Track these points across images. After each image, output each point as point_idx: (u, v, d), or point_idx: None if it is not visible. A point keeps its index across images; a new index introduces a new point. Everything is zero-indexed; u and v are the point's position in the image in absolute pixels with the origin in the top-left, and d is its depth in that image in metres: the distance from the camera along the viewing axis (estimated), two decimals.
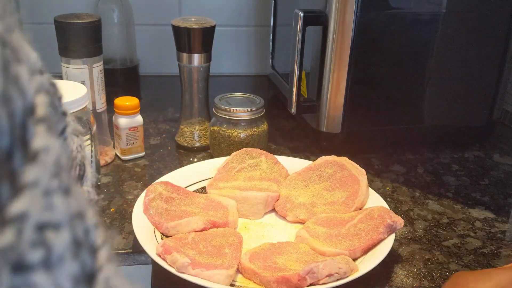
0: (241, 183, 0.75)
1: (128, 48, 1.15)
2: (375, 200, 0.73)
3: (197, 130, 0.93)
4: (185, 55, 0.88)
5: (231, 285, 0.59)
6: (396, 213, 0.70)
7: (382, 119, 0.91)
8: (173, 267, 0.58)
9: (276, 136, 1.00)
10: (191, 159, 0.91)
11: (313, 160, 0.80)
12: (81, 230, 0.19)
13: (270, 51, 1.18)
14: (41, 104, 0.19)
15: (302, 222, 0.70)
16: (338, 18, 0.82)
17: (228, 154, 0.81)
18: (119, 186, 0.81)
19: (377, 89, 0.88)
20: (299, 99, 0.88)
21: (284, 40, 1.09)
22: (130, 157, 0.89)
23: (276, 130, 1.03)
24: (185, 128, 0.93)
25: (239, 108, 0.84)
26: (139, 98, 0.92)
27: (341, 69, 0.85)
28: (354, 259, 0.62)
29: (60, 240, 0.18)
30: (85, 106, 0.73)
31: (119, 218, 0.72)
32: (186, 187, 0.76)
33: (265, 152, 0.81)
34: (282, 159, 0.82)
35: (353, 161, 0.77)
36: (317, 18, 0.83)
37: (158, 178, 0.76)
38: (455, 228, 0.74)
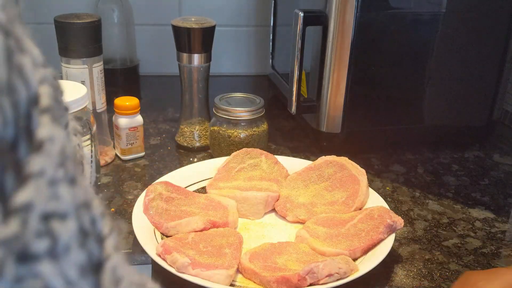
0: (241, 183, 0.75)
1: (128, 48, 1.15)
2: (375, 200, 0.73)
3: (197, 130, 0.93)
4: (185, 55, 0.88)
5: (231, 285, 0.59)
6: (396, 213, 0.70)
7: (382, 119, 0.91)
8: (173, 267, 0.58)
9: (276, 136, 1.00)
10: (191, 159, 0.91)
11: (313, 160, 0.80)
12: (87, 219, 0.19)
13: (270, 51, 1.18)
14: (45, 94, 0.19)
15: (302, 222, 0.70)
16: (338, 18, 0.82)
17: (228, 154, 0.81)
18: (119, 186, 0.81)
19: (377, 89, 0.88)
20: (299, 99, 0.88)
21: (284, 40, 1.09)
22: (130, 157, 0.89)
23: (276, 130, 1.03)
24: (185, 128, 0.93)
25: (239, 108, 0.84)
26: (139, 98, 0.92)
27: (341, 69, 0.85)
28: (354, 259, 0.62)
29: (66, 230, 0.18)
30: (85, 106, 0.73)
31: (119, 218, 0.72)
32: (186, 187, 0.76)
33: (265, 152, 0.81)
34: (282, 159, 0.82)
35: (353, 161, 0.77)
36: (317, 18, 0.83)
37: (158, 178, 0.76)
38: (455, 228, 0.74)
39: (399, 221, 0.65)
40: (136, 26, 1.18)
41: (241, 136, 0.84)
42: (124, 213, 0.74)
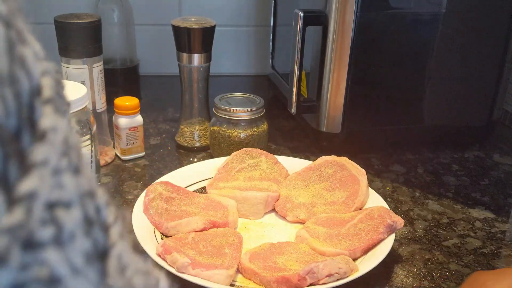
0: (241, 183, 0.75)
1: (128, 48, 1.15)
2: (375, 200, 0.73)
3: (197, 130, 0.93)
4: (185, 55, 0.88)
5: (231, 285, 0.59)
6: (396, 213, 0.70)
7: (382, 119, 0.91)
8: (173, 267, 0.58)
9: (276, 136, 1.00)
10: (191, 159, 0.91)
11: (313, 160, 0.80)
12: (92, 208, 0.19)
13: (270, 51, 1.18)
14: (47, 86, 0.20)
15: (302, 222, 0.70)
16: (338, 18, 0.82)
17: (228, 154, 0.81)
18: (119, 186, 0.81)
19: (377, 89, 0.88)
20: (299, 99, 0.88)
21: (284, 40, 1.09)
22: (130, 157, 0.89)
23: (276, 130, 1.03)
24: (185, 128, 0.93)
25: (239, 108, 0.84)
26: (139, 98, 0.92)
27: (341, 69, 0.85)
28: (354, 259, 0.62)
29: (70, 218, 0.18)
30: (85, 106, 0.73)
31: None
32: (186, 187, 0.76)
33: (265, 152, 0.81)
34: (282, 159, 0.82)
35: (353, 161, 0.77)
36: (317, 18, 0.83)
37: (158, 178, 0.76)
38: (455, 228, 0.74)
39: (399, 221, 0.65)
40: (136, 26, 1.18)
41: (241, 136, 0.84)
42: (124, 213, 0.74)
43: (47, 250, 0.17)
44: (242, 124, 0.85)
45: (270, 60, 1.18)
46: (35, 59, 0.19)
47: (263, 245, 0.64)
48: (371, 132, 0.92)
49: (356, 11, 0.81)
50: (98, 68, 0.86)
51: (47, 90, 0.19)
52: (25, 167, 0.17)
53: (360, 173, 0.74)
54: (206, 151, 0.93)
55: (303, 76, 0.92)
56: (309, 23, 0.83)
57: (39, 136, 0.18)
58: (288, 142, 0.98)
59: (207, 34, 0.87)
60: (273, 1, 1.13)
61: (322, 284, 0.56)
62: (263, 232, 0.70)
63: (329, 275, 0.56)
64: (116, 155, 0.90)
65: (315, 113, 0.90)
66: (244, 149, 0.80)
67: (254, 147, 0.82)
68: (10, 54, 0.18)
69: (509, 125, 1.09)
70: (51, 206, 0.17)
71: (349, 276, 0.57)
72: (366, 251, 0.63)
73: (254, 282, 0.59)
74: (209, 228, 0.66)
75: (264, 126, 0.87)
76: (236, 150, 0.81)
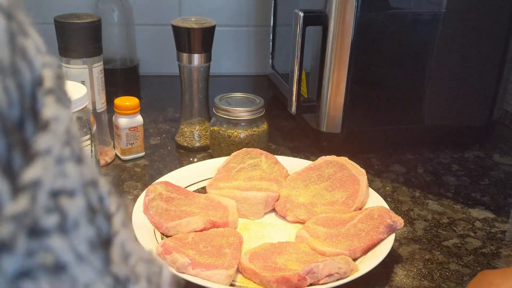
0: (241, 183, 0.75)
1: (128, 48, 1.15)
2: (375, 200, 0.73)
3: (197, 130, 0.93)
4: (185, 55, 0.88)
5: (231, 285, 0.59)
6: (396, 213, 0.70)
7: (382, 119, 0.91)
8: (173, 267, 0.58)
9: (276, 136, 1.00)
10: (191, 159, 0.91)
11: (313, 160, 0.80)
12: (95, 197, 0.20)
13: (270, 51, 1.18)
14: (49, 76, 0.20)
15: (302, 222, 0.70)
16: (338, 18, 0.82)
17: (228, 154, 0.81)
18: (119, 186, 0.81)
19: (377, 89, 0.88)
20: (299, 99, 0.88)
21: (284, 40, 1.09)
22: (130, 157, 0.89)
23: (276, 130, 1.03)
24: (185, 128, 0.93)
25: (239, 108, 0.84)
26: (139, 98, 0.92)
27: (341, 69, 0.85)
28: (354, 259, 0.62)
29: (74, 206, 0.18)
30: (85, 106, 0.73)
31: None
32: (186, 187, 0.76)
33: (265, 152, 0.81)
34: (282, 159, 0.82)
35: (353, 161, 0.77)
36: (317, 18, 0.83)
37: (158, 178, 0.76)
38: (455, 228, 0.74)
39: (399, 221, 0.65)
40: (136, 26, 1.18)
41: (241, 136, 0.84)
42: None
43: (52, 238, 0.17)
44: (242, 124, 0.85)
45: (270, 60, 1.18)
46: (36, 51, 0.20)
47: (263, 245, 0.64)
48: (371, 132, 0.92)
49: (356, 11, 0.81)
50: (98, 68, 0.86)
51: (49, 81, 0.20)
52: (29, 156, 0.18)
53: (360, 173, 0.74)
54: (206, 151, 0.93)
55: (303, 76, 0.92)
56: (309, 23, 0.83)
57: (42, 125, 0.18)
58: (288, 142, 0.98)
59: (207, 34, 0.87)
60: (273, 1, 1.13)
61: (322, 284, 0.56)
62: (263, 232, 0.70)
63: (329, 275, 0.56)
64: (116, 155, 0.90)
65: (315, 113, 0.90)
66: (244, 149, 0.80)
67: (254, 147, 0.82)
68: (11, 45, 0.18)
69: (509, 125, 1.09)
70: (55, 194, 0.18)
71: (349, 276, 0.57)
72: (366, 251, 0.63)
73: (254, 282, 0.59)
74: (209, 228, 0.66)
75: (264, 126, 0.87)
76: (236, 150, 0.81)
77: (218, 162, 0.81)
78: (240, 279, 0.60)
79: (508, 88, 1.00)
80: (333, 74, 0.85)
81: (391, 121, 0.91)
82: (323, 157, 0.78)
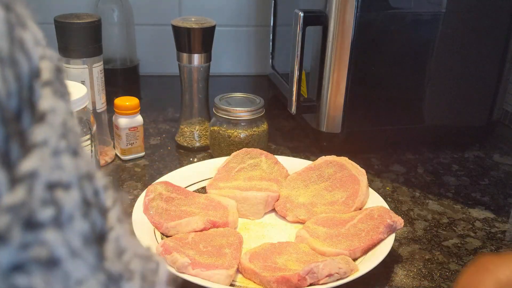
0: (241, 183, 0.75)
1: (128, 48, 1.15)
2: (375, 200, 0.73)
3: (197, 130, 0.93)
4: (185, 55, 0.88)
5: (231, 285, 0.59)
6: (396, 213, 0.70)
7: (382, 119, 0.91)
8: (173, 267, 0.58)
9: (276, 136, 1.00)
10: (191, 159, 0.91)
11: (313, 160, 0.80)
12: (90, 190, 0.19)
13: (270, 51, 1.18)
14: (47, 68, 0.20)
15: (302, 222, 0.70)
16: (338, 18, 0.82)
17: (228, 154, 0.81)
18: (119, 186, 0.81)
19: (377, 89, 0.88)
20: (299, 99, 0.88)
21: (284, 40, 1.09)
22: (130, 157, 0.89)
23: (276, 130, 1.03)
24: (185, 128, 0.93)
25: (239, 108, 0.84)
26: (139, 98, 0.92)
27: (341, 69, 0.85)
28: (354, 259, 0.62)
29: (70, 199, 0.18)
30: (85, 106, 0.73)
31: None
32: (186, 187, 0.76)
33: (265, 152, 0.81)
34: (282, 159, 0.82)
35: (353, 161, 0.77)
36: (317, 18, 0.83)
37: (158, 178, 0.76)
38: (455, 228, 0.74)
39: (399, 221, 0.65)
40: (136, 26, 1.18)
41: (241, 136, 0.84)
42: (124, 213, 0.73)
43: (47, 231, 0.17)
44: (242, 124, 0.85)
45: (270, 60, 1.18)
46: (34, 43, 0.19)
47: (263, 245, 0.64)
48: (371, 132, 0.92)
49: (356, 11, 0.81)
50: (98, 68, 0.86)
51: (46, 73, 0.20)
52: (26, 148, 0.18)
53: (360, 173, 0.74)
54: (206, 151, 0.93)
55: (303, 76, 0.92)
56: (309, 23, 0.83)
57: (38, 117, 0.18)
58: (288, 142, 0.98)
59: (207, 34, 0.87)
60: (273, 1, 1.13)
61: (322, 284, 0.56)
62: (263, 232, 0.70)
63: (329, 275, 0.56)
64: (116, 155, 0.90)
65: (315, 113, 0.90)
66: (244, 149, 0.80)
67: (254, 147, 0.82)
68: (9, 36, 0.18)
69: (509, 125, 1.09)
70: (51, 186, 0.18)
71: (349, 276, 0.57)
72: (366, 251, 0.63)
73: (254, 282, 0.59)
74: (209, 228, 0.66)
75: (264, 126, 0.87)
76: (236, 150, 0.81)
77: (218, 162, 0.81)
78: (240, 279, 0.60)
79: (508, 88, 1.00)
80: (333, 74, 0.85)
81: (391, 121, 0.91)
82: (323, 157, 0.78)
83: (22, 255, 0.16)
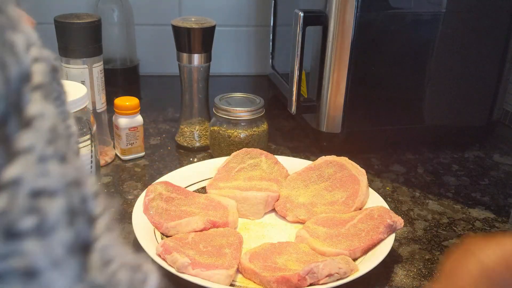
0: (241, 183, 0.75)
1: (128, 48, 1.15)
2: (375, 200, 0.73)
3: (197, 130, 0.93)
4: (185, 55, 0.88)
5: (231, 285, 0.59)
6: (396, 213, 0.70)
7: (382, 119, 0.91)
8: (173, 267, 0.58)
9: (276, 136, 1.00)
10: (191, 159, 0.91)
11: (313, 160, 0.80)
12: (77, 198, 0.19)
13: (270, 51, 1.18)
14: (39, 72, 0.19)
15: (302, 222, 0.70)
16: (338, 18, 0.82)
17: (228, 154, 0.81)
18: (119, 186, 0.81)
19: (377, 89, 0.88)
20: (299, 99, 0.88)
21: (284, 40, 1.09)
22: (130, 157, 0.89)
23: (276, 130, 1.03)
24: (185, 128, 0.93)
25: (239, 108, 0.84)
26: (139, 98, 0.92)
27: (341, 69, 0.85)
28: (354, 259, 0.62)
29: (54, 208, 0.17)
30: (85, 106, 0.73)
31: (119, 218, 0.72)
32: (186, 187, 0.76)
33: (265, 152, 0.81)
34: (282, 159, 0.82)
35: (353, 161, 0.77)
36: (317, 18, 0.83)
37: (158, 178, 0.76)
38: (455, 228, 0.74)
39: (399, 221, 0.65)
40: (136, 26, 1.18)
41: (241, 136, 0.84)
42: (124, 213, 0.74)
43: (28, 241, 0.17)
44: (242, 124, 0.85)
45: (270, 60, 1.18)
46: (26, 46, 0.19)
47: (263, 245, 0.64)
48: (371, 132, 0.92)
49: (356, 11, 0.81)
50: (98, 68, 0.86)
51: (38, 76, 0.19)
52: (11, 154, 0.17)
53: (360, 173, 0.74)
54: (206, 151, 0.93)
55: (303, 76, 0.92)
56: (309, 23, 0.83)
57: (25, 122, 0.18)
58: (288, 142, 0.98)
59: (207, 34, 0.87)
60: (273, 1, 1.13)
61: (322, 284, 0.56)
62: (263, 232, 0.70)
63: (329, 275, 0.56)
64: (116, 155, 0.90)
65: (315, 113, 0.90)
66: (244, 149, 0.80)
67: (254, 147, 0.82)
68: None
69: (509, 125, 1.09)
70: (35, 194, 0.17)
71: (349, 276, 0.57)
72: (366, 251, 0.63)
73: (254, 282, 0.59)
74: (209, 228, 0.66)
75: (264, 126, 0.87)
76: (236, 150, 0.81)
77: (218, 162, 0.81)
78: (240, 279, 0.60)
79: (508, 88, 1.00)
80: (333, 74, 0.85)
81: (391, 121, 0.91)
82: (323, 157, 0.78)
83: (1, 266, 0.16)
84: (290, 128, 1.05)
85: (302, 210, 0.71)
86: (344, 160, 0.77)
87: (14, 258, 0.16)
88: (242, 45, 1.33)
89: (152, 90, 1.22)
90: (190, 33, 0.85)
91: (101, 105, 0.88)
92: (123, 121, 0.86)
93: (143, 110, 0.93)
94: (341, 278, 0.57)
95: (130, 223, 0.66)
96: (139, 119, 0.87)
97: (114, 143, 0.90)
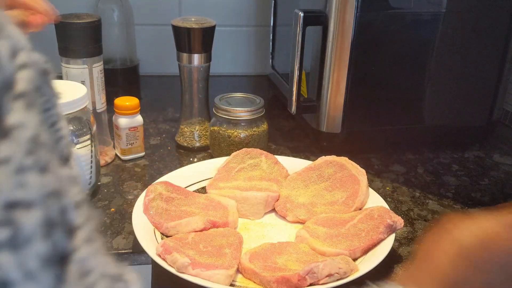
0: (241, 183, 0.75)
1: (128, 48, 1.15)
2: (375, 200, 0.73)
3: (197, 130, 0.93)
4: (185, 55, 0.88)
5: (231, 285, 0.59)
6: (396, 213, 0.70)
7: (382, 119, 0.91)
8: (173, 267, 0.58)
9: (276, 136, 1.00)
10: (191, 159, 0.91)
11: (313, 160, 0.80)
12: (56, 209, 0.18)
13: (270, 51, 1.18)
14: (23, 79, 0.19)
15: (302, 222, 0.70)
16: (338, 18, 0.82)
17: (228, 154, 0.81)
18: (119, 186, 0.81)
19: (377, 89, 0.88)
20: (299, 99, 0.88)
21: (284, 40, 1.09)
22: (130, 157, 0.89)
23: (276, 130, 1.03)
24: (185, 128, 0.93)
25: (239, 108, 0.84)
26: (139, 98, 0.92)
27: (341, 69, 0.85)
28: (354, 259, 0.62)
29: (29, 219, 0.17)
30: (85, 106, 0.73)
31: (119, 218, 0.72)
32: (186, 187, 0.76)
33: (265, 152, 0.81)
34: (282, 159, 0.82)
35: (353, 161, 0.77)
36: (317, 18, 0.83)
37: (158, 178, 0.76)
38: None
39: (399, 221, 0.65)
40: (136, 26, 1.18)
41: (241, 136, 0.84)
42: (124, 213, 0.74)
43: (1, 253, 0.16)
44: (242, 124, 0.85)
45: (270, 60, 1.18)
46: (11, 52, 0.18)
47: (263, 245, 0.64)
48: (371, 132, 0.92)
49: (356, 11, 0.81)
50: (98, 68, 0.86)
51: (22, 84, 0.19)
52: None
53: (360, 173, 0.74)
54: (206, 151, 0.93)
55: (303, 76, 0.92)
56: (309, 23, 0.83)
57: (3, 133, 0.17)
58: (288, 142, 0.98)
59: (207, 34, 0.87)
60: (273, 1, 1.13)
61: (322, 284, 0.56)
62: (263, 232, 0.70)
63: (329, 275, 0.56)
64: (116, 155, 0.90)
65: (315, 113, 0.90)
66: (244, 149, 0.80)
67: (254, 147, 0.82)
68: None
69: (509, 125, 1.09)
70: (11, 206, 0.17)
71: (349, 276, 0.57)
72: (366, 251, 0.63)
73: (254, 282, 0.59)
74: (209, 228, 0.66)
75: (264, 126, 0.87)
76: (236, 150, 0.81)
77: (218, 162, 0.81)
78: (240, 279, 0.60)
79: (508, 88, 1.00)
80: (333, 74, 0.85)
81: (391, 121, 0.91)
82: (323, 157, 0.78)
83: None
84: (290, 128, 1.05)
85: (302, 210, 0.71)
86: (344, 160, 0.77)
87: None
88: (242, 45, 1.33)
89: (152, 90, 1.22)
90: (190, 33, 0.85)
91: (101, 105, 0.88)
92: (123, 121, 0.86)
93: (143, 110, 0.93)
94: (341, 278, 0.57)
95: (130, 223, 0.66)
96: (139, 119, 0.87)
97: (114, 143, 0.90)
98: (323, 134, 0.90)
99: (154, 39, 1.27)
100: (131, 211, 0.68)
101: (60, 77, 0.86)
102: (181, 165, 0.85)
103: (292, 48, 0.85)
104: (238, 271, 0.61)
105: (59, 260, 0.18)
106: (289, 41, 0.87)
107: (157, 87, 1.25)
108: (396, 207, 0.79)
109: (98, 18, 0.85)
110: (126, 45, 1.14)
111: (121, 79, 1.13)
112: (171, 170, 0.80)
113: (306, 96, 0.93)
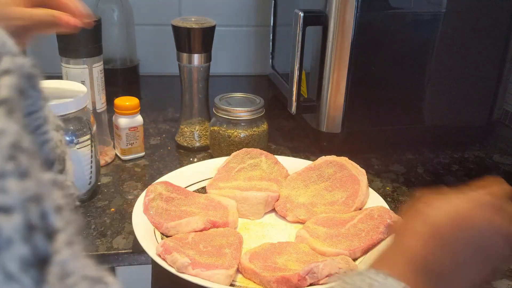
0: (241, 183, 0.75)
1: (128, 48, 1.15)
2: (375, 200, 0.73)
3: (197, 130, 0.93)
4: (185, 55, 0.88)
5: (231, 285, 0.59)
6: (396, 213, 0.70)
7: (382, 119, 0.91)
8: (173, 267, 0.58)
9: (276, 136, 1.00)
10: (191, 159, 0.91)
11: (313, 160, 0.80)
12: (36, 213, 0.19)
13: (270, 51, 1.18)
14: (4, 86, 0.19)
15: (302, 222, 0.70)
16: (338, 18, 0.82)
17: (228, 154, 0.81)
18: (119, 186, 0.81)
19: (377, 89, 0.88)
20: (299, 99, 0.88)
21: (284, 40, 1.09)
22: (130, 157, 0.89)
23: (276, 130, 1.03)
24: (185, 128, 0.93)
25: (239, 108, 0.84)
26: (139, 98, 0.92)
27: (341, 69, 0.85)
28: (354, 259, 0.62)
29: (9, 223, 0.17)
30: (85, 106, 0.73)
31: (119, 218, 0.72)
32: (186, 187, 0.76)
33: (265, 152, 0.81)
34: (282, 159, 0.82)
35: (353, 161, 0.77)
36: (317, 18, 0.83)
37: (158, 178, 0.76)
38: None
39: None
40: (136, 26, 1.18)
41: (241, 136, 0.84)
42: (124, 213, 0.74)
43: None
44: (242, 124, 0.85)
45: (270, 60, 1.18)
46: None
47: (263, 245, 0.64)
48: (371, 132, 0.92)
49: (356, 11, 0.81)
50: (98, 68, 0.86)
51: (3, 91, 0.19)
52: None
53: (360, 173, 0.74)
54: (206, 151, 0.93)
55: (303, 76, 0.92)
56: (309, 23, 0.83)
57: None
58: (288, 142, 0.98)
59: (207, 34, 0.87)
60: (273, 1, 1.13)
61: (322, 284, 0.56)
62: (263, 232, 0.70)
63: (329, 275, 0.56)
64: (116, 155, 0.90)
65: (315, 113, 0.90)
66: (244, 149, 0.80)
67: (254, 147, 0.82)
68: None
69: (509, 125, 1.09)
70: None
71: None
72: (366, 251, 0.63)
73: (254, 282, 0.59)
74: (209, 228, 0.66)
75: (264, 126, 0.87)
76: (236, 150, 0.81)
77: (218, 162, 0.81)
78: (240, 279, 0.60)
79: (508, 88, 1.00)
80: (333, 74, 0.85)
81: (391, 121, 0.91)
82: (323, 157, 0.78)
83: None
84: (290, 128, 1.05)
85: (302, 210, 0.71)
86: (344, 160, 0.77)
87: None
88: (242, 45, 1.33)
89: (152, 90, 1.22)
90: (190, 33, 0.85)
91: (101, 105, 0.88)
92: (123, 121, 0.86)
93: (143, 110, 0.93)
94: None
95: (130, 223, 0.66)
96: (139, 119, 0.87)
97: (114, 143, 0.90)
98: (323, 134, 0.90)
99: (154, 39, 1.27)
100: (131, 211, 0.68)
101: (60, 77, 0.86)
102: (181, 165, 0.85)
103: (292, 48, 0.85)
104: (238, 271, 0.61)
105: (40, 263, 0.18)
106: (289, 41, 0.87)
107: (157, 87, 1.25)
108: (396, 207, 0.79)
109: (98, 18, 0.85)
110: (126, 45, 1.14)
111: (121, 79, 1.13)
112: (171, 170, 0.80)
113: (306, 96, 0.93)
